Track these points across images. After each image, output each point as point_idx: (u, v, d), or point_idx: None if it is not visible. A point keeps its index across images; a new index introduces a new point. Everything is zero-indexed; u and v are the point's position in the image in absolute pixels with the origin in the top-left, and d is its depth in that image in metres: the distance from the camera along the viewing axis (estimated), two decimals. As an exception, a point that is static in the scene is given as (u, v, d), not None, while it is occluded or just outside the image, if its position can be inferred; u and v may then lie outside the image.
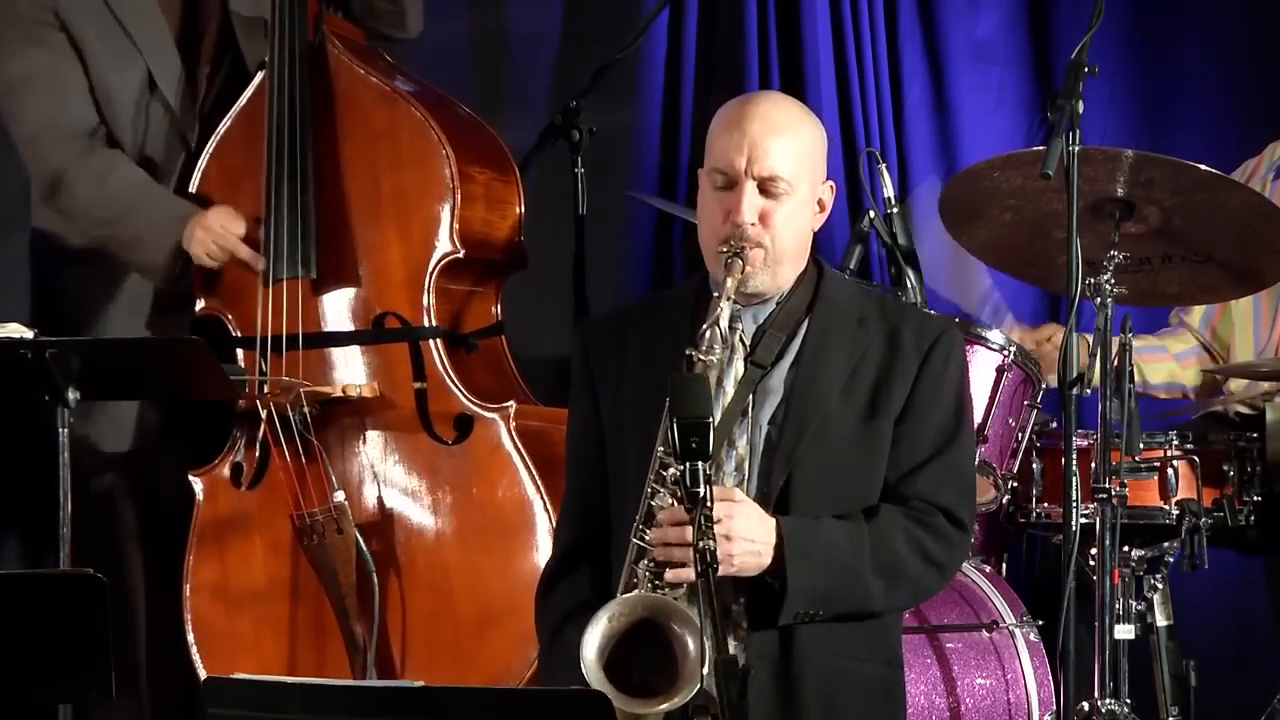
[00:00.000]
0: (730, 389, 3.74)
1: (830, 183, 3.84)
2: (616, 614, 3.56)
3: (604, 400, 3.83)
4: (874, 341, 3.79)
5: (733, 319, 3.72)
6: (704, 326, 3.64)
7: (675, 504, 3.61)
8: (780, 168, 3.73)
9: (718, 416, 3.67)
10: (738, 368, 3.76)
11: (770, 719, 3.66)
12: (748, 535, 3.63)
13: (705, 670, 3.45)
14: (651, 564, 3.62)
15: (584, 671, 3.50)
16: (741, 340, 3.77)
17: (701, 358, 3.62)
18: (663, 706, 3.51)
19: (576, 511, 3.90)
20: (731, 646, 3.62)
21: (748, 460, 3.74)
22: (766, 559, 3.65)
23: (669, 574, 3.60)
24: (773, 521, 3.66)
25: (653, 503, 3.64)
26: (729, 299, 3.67)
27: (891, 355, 3.78)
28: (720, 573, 3.44)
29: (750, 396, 3.75)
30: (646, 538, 3.63)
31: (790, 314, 3.80)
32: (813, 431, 3.72)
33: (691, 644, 3.50)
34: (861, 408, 3.76)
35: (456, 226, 4.86)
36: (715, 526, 3.38)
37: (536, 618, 3.89)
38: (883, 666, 3.81)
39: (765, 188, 3.73)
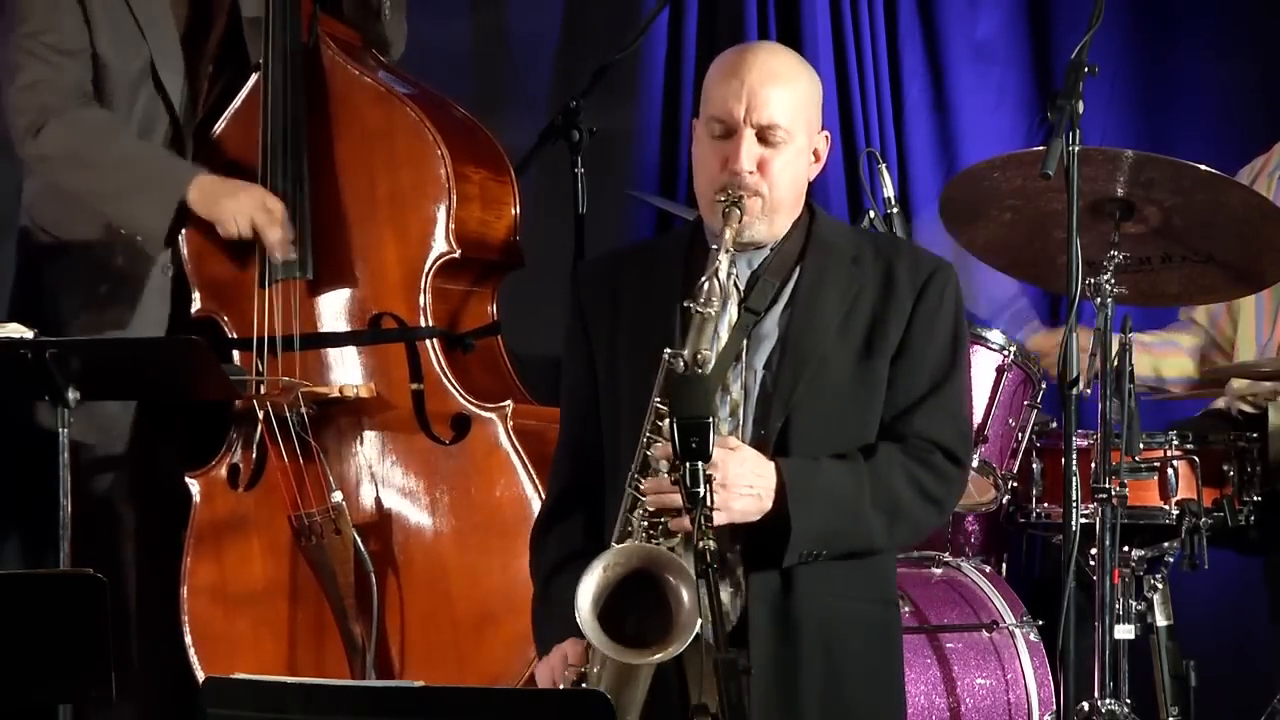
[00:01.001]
0: (724, 334, 3.71)
1: (825, 133, 3.82)
2: (611, 564, 3.52)
3: (598, 347, 3.81)
4: (869, 279, 3.77)
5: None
6: (702, 278, 3.61)
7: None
8: (778, 116, 3.71)
9: (712, 363, 3.65)
10: (731, 313, 3.74)
11: (771, 660, 3.64)
12: (744, 481, 3.60)
13: (700, 622, 3.43)
14: (647, 514, 3.59)
15: (579, 621, 3.48)
16: (736, 285, 3.74)
17: (699, 309, 3.60)
18: (657, 657, 3.47)
19: (570, 458, 3.87)
20: (727, 593, 3.61)
21: (742, 405, 3.72)
22: (767, 503, 3.62)
23: (671, 523, 3.57)
24: (771, 465, 3.64)
25: (648, 453, 3.61)
26: (727, 250, 3.65)
27: (886, 292, 3.76)
28: (719, 522, 3.45)
29: (744, 341, 3.72)
30: (641, 488, 3.60)
31: (784, 259, 3.77)
32: (809, 374, 3.70)
33: (686, 595, 3.46)
34: (857, 347, 3.74)
35: (452, 226, 4.85)
36: (711, 474, 3.37)
37: (530, 564, 3.87)
38: (880, 605, 3.79)
39: (763, 136, 3.71)
